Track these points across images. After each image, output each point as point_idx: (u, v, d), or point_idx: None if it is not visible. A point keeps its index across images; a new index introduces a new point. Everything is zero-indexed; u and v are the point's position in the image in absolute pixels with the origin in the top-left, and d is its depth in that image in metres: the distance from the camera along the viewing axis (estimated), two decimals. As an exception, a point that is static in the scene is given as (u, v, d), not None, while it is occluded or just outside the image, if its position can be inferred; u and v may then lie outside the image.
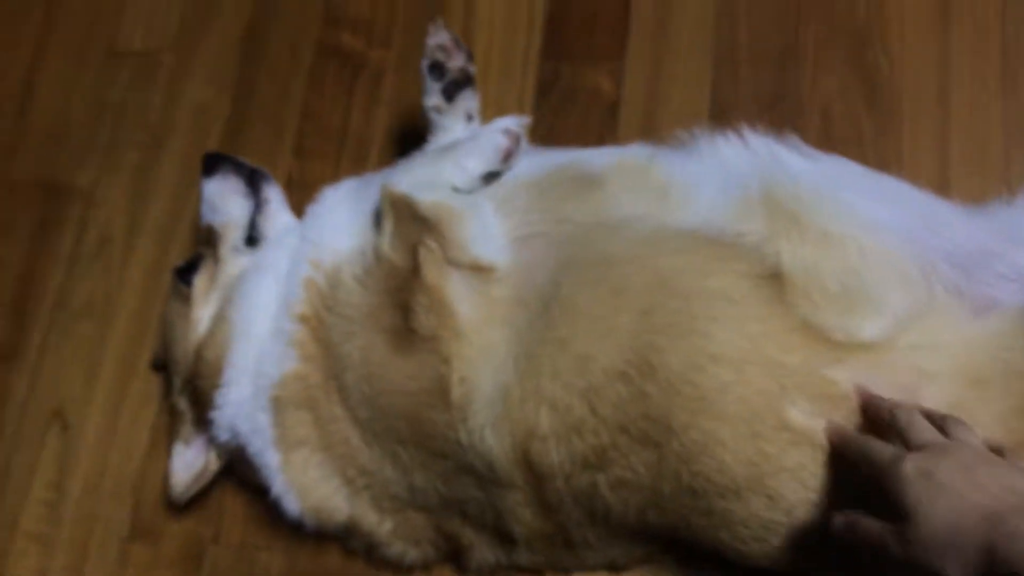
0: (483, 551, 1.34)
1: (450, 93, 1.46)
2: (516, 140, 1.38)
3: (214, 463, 1.47)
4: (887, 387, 1.11)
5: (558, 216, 1.29)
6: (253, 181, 1.54)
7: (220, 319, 1.43)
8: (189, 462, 1.47)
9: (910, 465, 0.97)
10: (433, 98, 1.46)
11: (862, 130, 1.51)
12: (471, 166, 1.36)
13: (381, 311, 1.29)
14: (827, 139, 1.50)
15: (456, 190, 1.34)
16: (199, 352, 1.43)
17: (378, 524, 1.35)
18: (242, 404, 1.38)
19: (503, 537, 1.31)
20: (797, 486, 1.12)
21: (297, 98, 1.76)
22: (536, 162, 1.38)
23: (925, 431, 1.03)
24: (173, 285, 1.52)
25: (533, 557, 1.33)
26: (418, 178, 1.34)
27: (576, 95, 1.64)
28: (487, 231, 1.30)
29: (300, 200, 1.54)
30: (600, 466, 1.19)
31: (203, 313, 1.46)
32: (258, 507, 1.50)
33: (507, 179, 1.37)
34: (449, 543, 1.35)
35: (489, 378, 1.23)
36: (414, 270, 1.27)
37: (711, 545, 1.22)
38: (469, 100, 1.47)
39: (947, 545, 0.91)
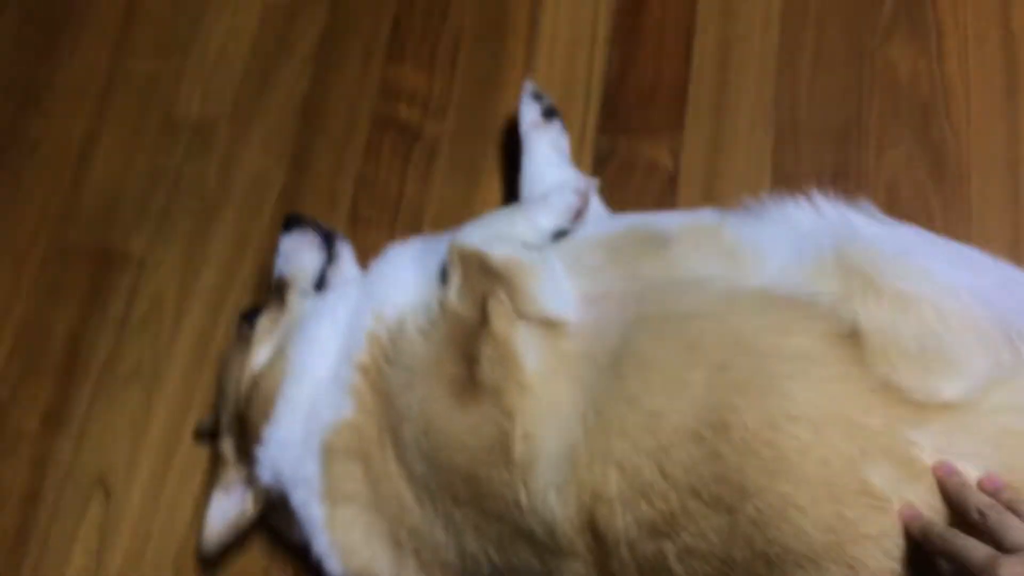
0: None
1: (548, 114, 1.58)
2: (585, 199, 1.41)
3: (251, 508, 1.42)
4: (971, 449, 1.06)
5: (629, 274, 1.27)
6: (328, 238, 1.55)
7: (278, 354, 1.42)
8: (226, 510, 1.42)
9: (1013, 569, 0.93)
10: (531, 114, 1.57)
11: (929, 203, 1.49)
12: (542, 222, 1.37)
13: (444, 363, 1.26)
14: (894, 212, 1.46)
15: (526, 246, 1.33)
16: (253, 382, 1.40)
17: None
18: (291, 446, 1.34)
19: None
20: (880, 555, 1.06)
21: (352, 168, 1.76)
22: (606, 223, 1.38)
23: (1019, 531, 0.98)
24: (236, 328, 1.52)
25: None
26: (489, 233, 1.35)
27: (633, 168, 1.63)
28: (558, 286, 1.28)
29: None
30: (669, 533, 1.13)
31: (262, 352, 1.44)
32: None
33: (577, 238, 1.36)
34: None
35: (554, 436, 1.19)
36: (482, 321, 1.25)
37: None
38: (559, 131, 1.57)
39: None
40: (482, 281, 1.28)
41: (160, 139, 1.86)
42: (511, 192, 1.64)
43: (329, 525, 1.32)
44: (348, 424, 1.32)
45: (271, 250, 1.62)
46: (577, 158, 1.64)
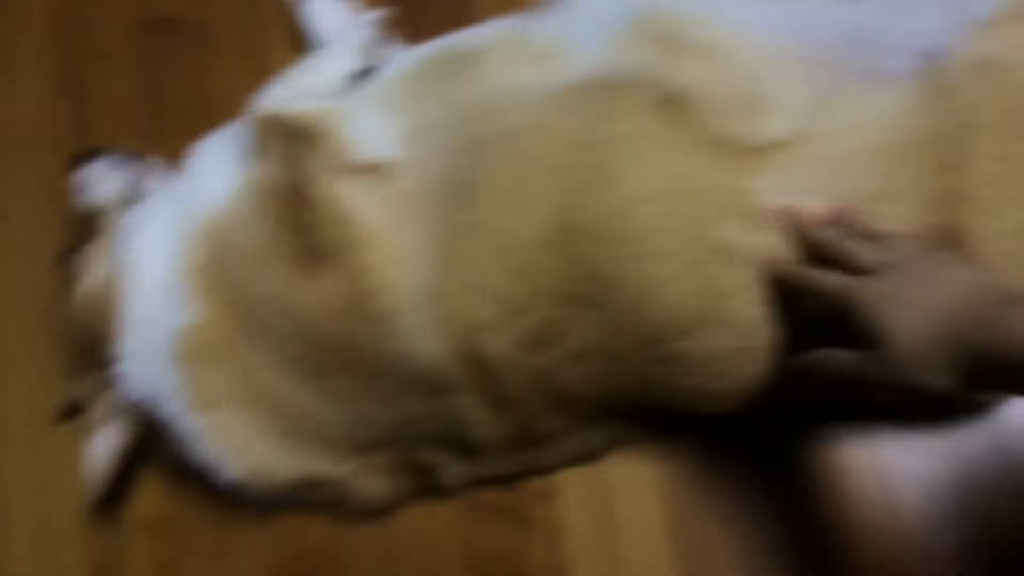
0: (451, 467, 1.29)
1: None
2: (371, 31, 1.39)
3: (127, 433, 1.35)
4: (812, 181, 1.08)
5: (445, 102, 1.23)
6: (126, 158, 1.49)
7: (108, 269, 1.35)
8: (105, 449, 1.37)
9: (868, 291, 0.97)
10: None
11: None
12: (334, 67, 1.33)
13: (280, 242, 1.21)
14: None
15: (324, 98, 1.28)
16: (89, 302, 1.34)
17: (334, 469, 1.28)
18: (145, 359, 1.28)
19: (467, 448, 1.26)
20: (750, 305, 1.08)
21: (138, 82, 1.64)
22: (409, 56, 1.32)
23: (866, 252, 1.02)
24: (61, 269, 1.43)
25: (504, 462, 1.27)
26: (282, 94, 1.29)
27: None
28: (368, 127, 1.23)
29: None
30: (549, 343, 1.14)
31: (92, 277, 1.37)
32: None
33: (384, 78, 1.31)
34: (415, 470, 1.29)
35: (410, 281, 1.16)
36: (300, 187, 1.20)
37: (677, 401, 1.18)
38: None
39: (929, 356, 0.92)
40: (287, 144, 1.23)
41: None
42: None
43: (208, 433, 1.27)
44: (198, 328, 1.26)
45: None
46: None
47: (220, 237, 1.27)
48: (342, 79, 1.33)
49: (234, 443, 1.27)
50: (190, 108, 1.61)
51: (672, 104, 1.11)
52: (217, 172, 1.33)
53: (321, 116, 1.23)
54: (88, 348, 1.35)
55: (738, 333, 1.10)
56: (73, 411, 1.46)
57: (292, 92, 1.31)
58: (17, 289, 1.58)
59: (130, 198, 1.45)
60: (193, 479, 1.33)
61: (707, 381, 1.14)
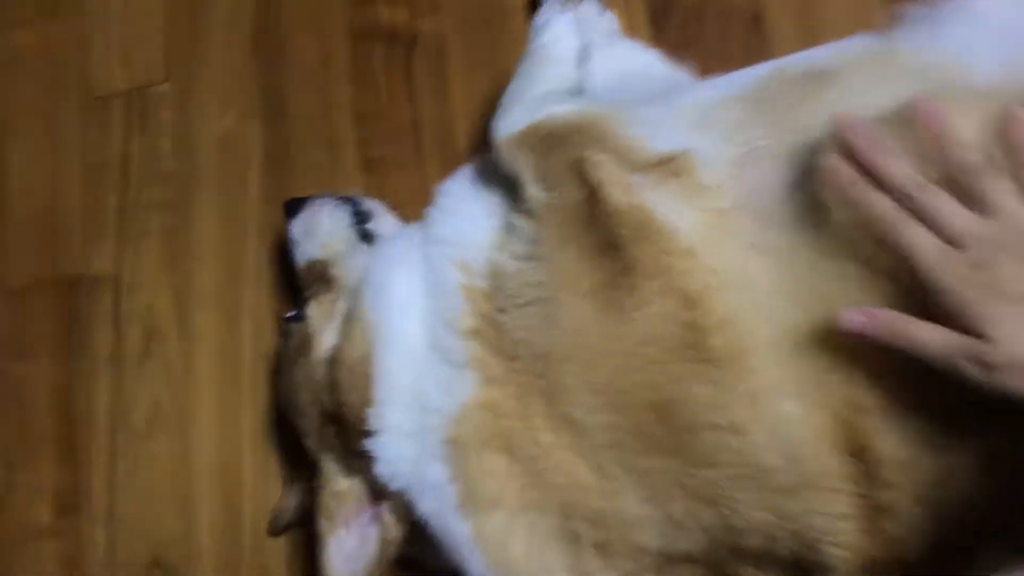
0: None
1: None
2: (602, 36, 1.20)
3: (394, 526, 1.08)
4: None
5: (784, 126, 0.95)
6: (345, 200, 1.24)
7: (352, 321, 1.09)
8: (354, 550, 1.09)
9: (965, 277, 0.77)
10: None
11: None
12: (563, 50, 1.16)
13: (572, 274, 0.95)
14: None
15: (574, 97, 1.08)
16: (333, 366, 1.08)
17: None
18: (405, 437, 1.03)
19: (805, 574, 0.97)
20: None
21: (343, 101, 1.40)
22: (734, 78, 1.05)
23: (957, 216, 0.80)
24: (283, 331, 1.19)
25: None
26: (526, 105, 1.07)
27: (702, 16, 1.31)
28: (650, 117, 0.99)
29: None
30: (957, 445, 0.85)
31: (328, 337, 1.12)
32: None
33: (701, 99, 1.02)
34: None
35: (758, 318, 0.89)
36: (591, 195, 0.94)
37: None
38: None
39: None
40: (559, 152, 0.99)
41: (86, 124, 1.47)
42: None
43: (479, 541, 1.01)
44: (474, 406, 1.00)
45: (270, 224, 1.33)
46: (626, 11, 1.31)
47: (495, 290, 1.02)
48: (577, 60, 1.14)
49: (513, 554, 1.01)
50: (410, 134, 1.37)
51: None
52: (472, 215, 1.08)
53: (589, 112, 1.00)
54: (334, 418, 1.11)
55: None
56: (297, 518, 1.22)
57: (534, 97, 1.09)
58: (206, 345, 1.35)
59: (355, 246, 1.21)
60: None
61: None
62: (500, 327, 1.00)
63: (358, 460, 1.07)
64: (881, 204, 0.83)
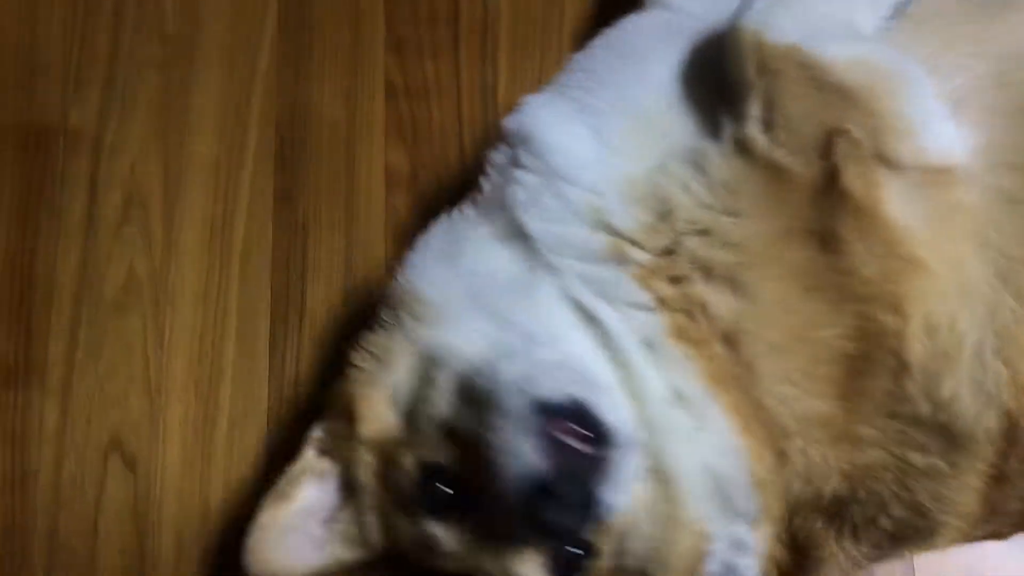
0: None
1: None
2: None
3: None
4: None
5: (984, 52, 0.87)
6: None
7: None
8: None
9: None
10: None
11: None
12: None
13: (778, 248, 0.84)
14: None
15: (864, 40, 0.88)
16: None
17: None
18: None
19: (903, 530, 0.91)
20: None
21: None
22: None
23: None
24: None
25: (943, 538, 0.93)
26: (806, 17, 0.87)
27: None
28: (929, 105, 0.84)
29: (411, 112, 1.19)
30: None
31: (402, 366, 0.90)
32: None
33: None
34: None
35: (969, 324, 0.82)
36: (829, 175, 0.81)
37: None
38: None
39: None
40: (818, 106, 0.83)
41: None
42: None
43: None
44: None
45: (280, 93, 1.22)
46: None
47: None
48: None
49: None
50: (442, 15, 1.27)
51: None
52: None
53: (876, 75, 0.83)
54: None
55: None
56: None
57: (813, 23, 0.87)
58: (193, 220, 1.23)
59: None
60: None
61: None
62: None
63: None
64: None
